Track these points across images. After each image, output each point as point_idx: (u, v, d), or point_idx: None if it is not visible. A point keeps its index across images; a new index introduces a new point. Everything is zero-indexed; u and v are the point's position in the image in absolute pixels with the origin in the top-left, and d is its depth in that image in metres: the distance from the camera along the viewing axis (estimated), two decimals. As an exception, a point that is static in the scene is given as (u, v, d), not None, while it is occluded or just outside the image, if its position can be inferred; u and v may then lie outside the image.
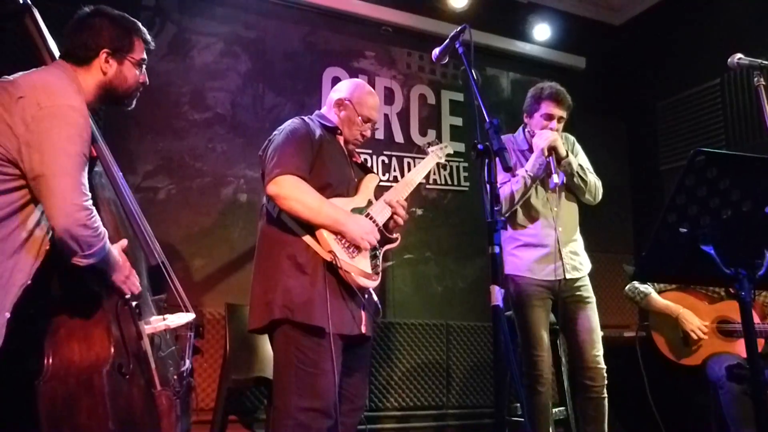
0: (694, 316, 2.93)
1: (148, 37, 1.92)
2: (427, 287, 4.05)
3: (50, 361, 1.73)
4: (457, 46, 1.87)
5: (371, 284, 2.07)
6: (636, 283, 3.14)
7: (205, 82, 3.63)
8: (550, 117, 2.70)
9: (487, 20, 4.31)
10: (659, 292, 3.08)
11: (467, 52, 1.82)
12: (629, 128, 4.96)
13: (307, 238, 2.01)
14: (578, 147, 2.85)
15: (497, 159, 1.55)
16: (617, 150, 4.89)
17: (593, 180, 2.75)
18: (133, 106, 1.95)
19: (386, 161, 4.04)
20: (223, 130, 3.64)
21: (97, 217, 1.64)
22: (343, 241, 2.02)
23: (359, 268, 2.02)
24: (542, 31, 4.60)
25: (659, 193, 4.65)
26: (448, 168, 4.24)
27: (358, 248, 2.05)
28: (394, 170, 4.04)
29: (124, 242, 1.87)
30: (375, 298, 2.12)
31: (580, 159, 2.79)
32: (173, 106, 3.49)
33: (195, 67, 3.61)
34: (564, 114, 2.73)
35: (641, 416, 3.08)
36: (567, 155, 2.68)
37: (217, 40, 3.70)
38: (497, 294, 1.43)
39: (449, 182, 4.27)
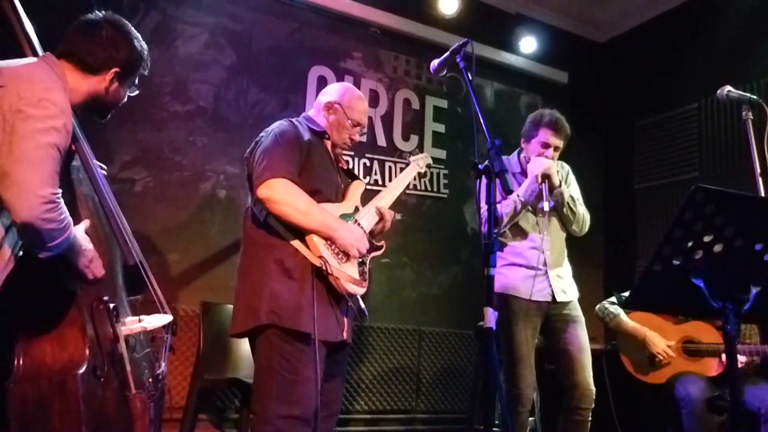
0: (660, 339, 3.01)
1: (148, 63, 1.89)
2: (401, 292, 4.06)
3: (21, 362, 1.66)
4: (458, 60, 1.86)
5: (360, 291, 2.06)
6: (606, 304, 3.20)
7: (188, 74, 3.54)
8: (546, 145, 2.69)
9: (475, 29, 4.31)
10: (627, 313, 3.15)
11: (468, 67, 1.80)
12: (606, 145, 5.05)
13: (296, 243, 1.98)
14: (572, 177, 2.86)
15: (497, 180, 1.54)
16: (593, 166, 4.97)
17: (582, 212, 2.76)
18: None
19: (368, 164, 4.02)
20: (205, 124, 3.56)
21: (65, 208, 1.56)
22: (332, 247, 2.00)
23: (348, 275, 2.00)
24: (528, 43, 4.63)
25: (632, 210, 4.75)
26: (428, 174, 4.24)
27: (347, 255, 2.03)
28: (375, 173, 4.03)
29: (86, 222, 1.78)
30: (362, 304, 2.10)
31: (572, 189, 2.79)
32: (154, 96, 3.40)
33: (178, 57, 3.52)
34: (561, 144, 2.73)
35: (603, 428, 3.15)
36: (560, 185, 2.69)
37: (202, 31, 3.61)
38: (491, 316, 1.43)
39: (429, 188, 4.27)
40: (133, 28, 1.83)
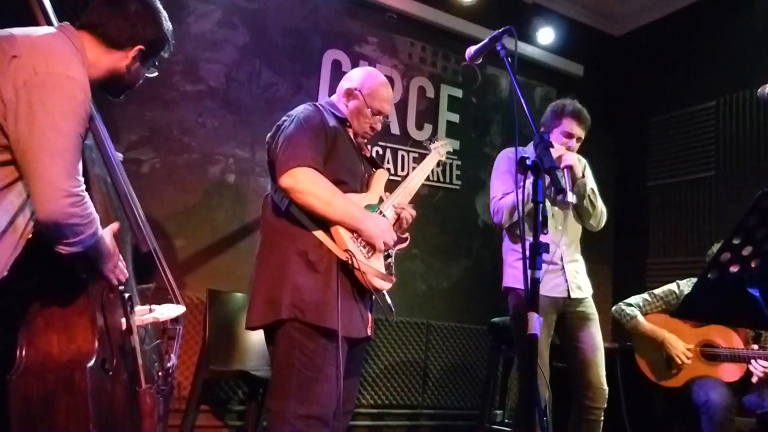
0: (679, 341, 2.94)
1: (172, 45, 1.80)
2: (410, 285, 3.97)
3: (24, 353, 1.56)
4: (498, 48, 1.75)
5: (387, 286, 1.96)
6: (623, 305, 3.12)
7: (200, 53, 3.41)
8: (570, 135, 2.63)
9: (492, 17, 4.19)
10: (644, 314, 3.07)
11: (509, 56, 1.69)
12: (620, 140, 4.95)
13: (320, 234, 1.88)
14: (589, 170, 2.79)
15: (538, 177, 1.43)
16: (605, 161, 4.86)
17: (601, 206, 2.70)
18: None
19: (381, 152, 3.91)
20: (215, 105, 3.43)
21: (89, 202, 1.47)
22: (358, 240, 1.91)
23: (376, 270, 1.91)
24: (546, 34, 4.51)
25: (644, 208, 4.66)
26: (441, 165, 4.14)
27: (373, 248, 1.94)
28: (388, 162, 3.92)
29: (115, 225, 1.70)
30: (389, 299, 2.01)
31: (590, 183, 2.73)
32: (164, 75, 3.23)
33: (190, 35, 3.38)
34: (583, 134, 2.67)
35: (613, 429, 3.09)
36: (583, 176, 2.62)
37: (216, 9, 3.48)
38: (535, 322, 1.33)
39: (441, 179, 4.18)
40: (161, 6, 1.72)
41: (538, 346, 2.49)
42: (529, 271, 1.39)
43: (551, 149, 2.56)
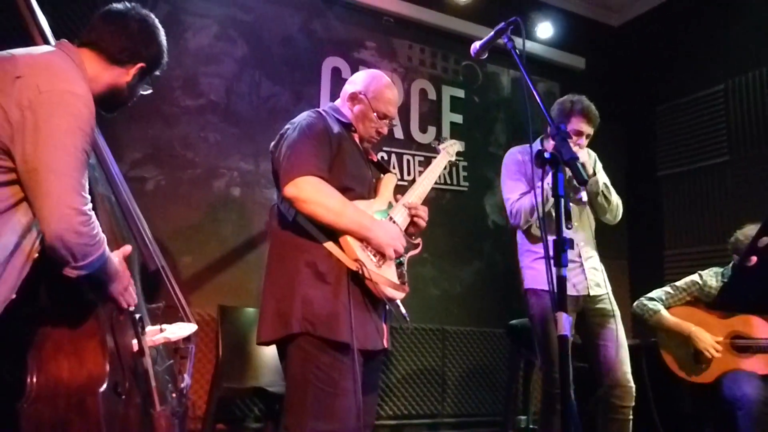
0: (707, 334, 2.84)
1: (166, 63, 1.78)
2: (423, 290, 3.89)
3: (35, 379, 1.52)
4: (505, 41, 1.70)
5: (400, 295, 1.90)
6: (644, 300, 3.04)
7: (199, 67, 3.38)
8: (579, 133, 2.58)
9: (489, 15, 4.14)
10: (667, 308, 2.98)
11: (516, 48, 1.63)
12: (627, 131, 4.87)
13: (329, 245, 1.82)
14: (599, 164, 2.74)
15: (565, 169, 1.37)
16: (614, 153, 4.78)
17: (616, 200, 2.65)
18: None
19: (385, 158, 3.86)
20: (217, 119, 3.40)
21: (96, 222, 1.43)
22: (368, 249, 1.85)
23: (388, 279, 1.84)
24: (544, 29, 4.46)
25: (656, 198, 4.58)
26: (448, 167, 4.07)
27: (384, 256, 1.87)
28: (394, 167, 3.87)
29: (127, 248, 1.66)
30: (402, 309, 1.94)
31: (602, 177, 2.68)
32: (164, 91, 3.24)
33: (188, 50, 3.36)
34: (592, 131, 2.62)
35: (644, 429, 3.00)
36: (594, 173, 2.57)
37: (212, 23, 3.45)
38: (565, 322, 1.27)
39: (448, 182, 4.12)
40: (159, 24, 1.71)
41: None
42: (554, 269, 1.31)
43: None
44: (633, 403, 2.50)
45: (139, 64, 1.64)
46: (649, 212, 4.60)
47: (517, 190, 2.60)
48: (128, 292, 1.63)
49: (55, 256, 1.38)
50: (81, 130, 1.39)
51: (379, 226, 1.87)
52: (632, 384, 2.51)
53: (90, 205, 1.41)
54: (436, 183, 3.92)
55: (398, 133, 3.94)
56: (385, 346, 1.93)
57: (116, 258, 1.58)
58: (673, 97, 4.52)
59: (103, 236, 1.46)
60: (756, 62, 3.96)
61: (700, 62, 4.35)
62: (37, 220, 1.38)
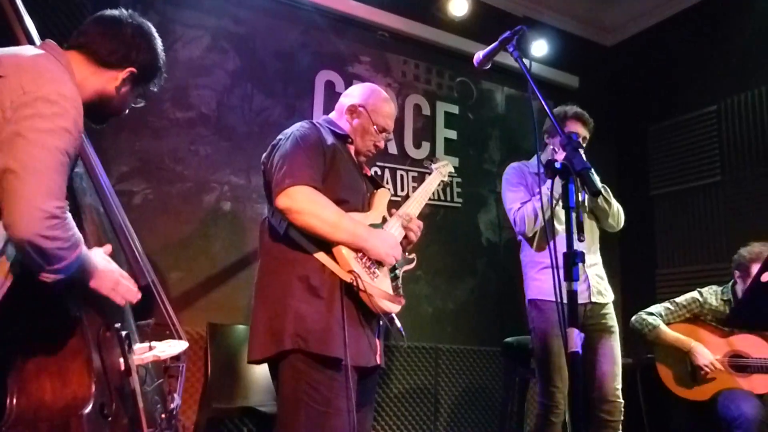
0: (707, 350, 2.81)
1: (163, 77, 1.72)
2: (416, 307, 3.83)
3: (15, 402, 1.42)
4: (510, 50, 1.67)
5: (396, 308, 1.85)
6: (643, 314, 3.01)
7: (189, 79, 3.32)
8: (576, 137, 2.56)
9: (484, 32, 4.15)
10: (667, 324, 2.96)
11: (522, 57, 1.61)
12: (620, 151, 4.89)
13: (321, 256, 1.77)
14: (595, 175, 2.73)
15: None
16: (607, 173, 4.77)
17: (616, 205, 2.67)
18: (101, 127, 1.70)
19: (379, 173, 3.82)
20: (207, 132, 3.33)
21: (72, 223, 1.34)
22: (363, 260, 1.80)
23: (383, 291, 1.79)
24: (539, 47, 4.48)
25: (649, 219, 4.58)
26: (441, 185, 4.04)
27: (379, 268, 1.83)
28: (388, 182, 3.83)
29: (108, 248, 1.58)
30: (398, 323, 1.89)
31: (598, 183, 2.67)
32: (153, 103, 3.16)
33: (179, 61, 3.30)
34: (588, 135, 2.66)
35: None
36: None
37: (204, 34, 3.41)
38: (576, 338, 1.22)
39: (442, 198, 4.08)
40: (157, 35, 1.64)
41: (561, 360, 2.40)
42: (564, 284, 1.27)
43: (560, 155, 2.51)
44: (622, 418, 2.50)
45: (129, 69, 1.56)
46: (641, 231, 4.58)
47: (518, 200, 2.61)
48: (122, 286, 1.53)
49: (28, 260, 1.30)
50: (66, 131, 1.31)
51: (375, 236, 1.84)
52: (621, 400, 2.52)
53: (66, 207, 1.33)
54: (430, 199, 3.88)
55: (392, 149, 3.90)
56: (378, 362, 1.88)
57: (98, 253, 1.50)
58: (666, 117, 4.54)
59: (79, 236, 1.37)
60: (749, 83, 3.99)
61: (693, 83, 4.38)
62: (5, 223, 1.27)
